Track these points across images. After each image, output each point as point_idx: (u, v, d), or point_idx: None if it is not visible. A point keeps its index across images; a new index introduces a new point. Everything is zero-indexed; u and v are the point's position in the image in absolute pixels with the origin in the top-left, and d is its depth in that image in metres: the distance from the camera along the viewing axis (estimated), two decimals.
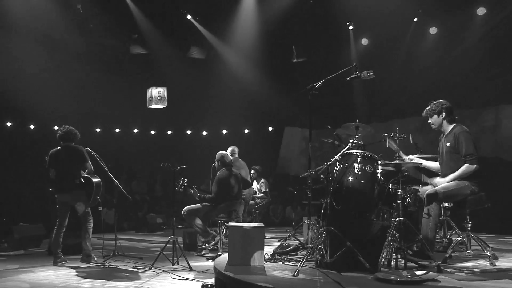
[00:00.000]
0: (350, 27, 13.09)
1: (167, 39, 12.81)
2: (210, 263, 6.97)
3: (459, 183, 4.95)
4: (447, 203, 4.96)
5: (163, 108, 12.64)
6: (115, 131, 14.47)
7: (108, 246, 8.55)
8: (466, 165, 4.94)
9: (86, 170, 7.10)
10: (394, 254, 4.56)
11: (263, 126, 15.27)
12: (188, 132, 15.45)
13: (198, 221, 7.53)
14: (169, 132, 15.36)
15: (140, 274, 6.25)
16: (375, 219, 4.77)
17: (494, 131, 12.15)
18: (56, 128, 13.95)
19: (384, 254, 4.48)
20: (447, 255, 4.93)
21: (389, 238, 4.53)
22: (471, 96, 12.01)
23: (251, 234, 4.96)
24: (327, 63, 13.59)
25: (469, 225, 5.17)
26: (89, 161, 7.09)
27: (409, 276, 4.19)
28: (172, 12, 12.79)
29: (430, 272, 4.26)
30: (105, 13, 11.72)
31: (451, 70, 11.90)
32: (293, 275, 4.40)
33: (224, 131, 15.56)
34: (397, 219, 4.61)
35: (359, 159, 4.84)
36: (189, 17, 12.86)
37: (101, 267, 6.78)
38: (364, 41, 13.45)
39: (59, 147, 7.12)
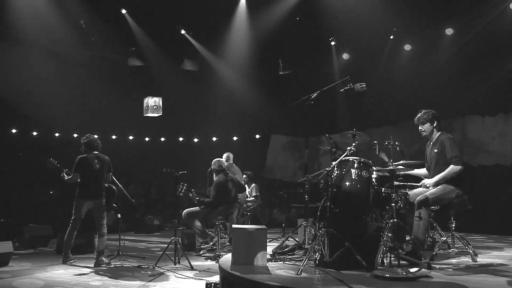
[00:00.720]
0: (333, 43, 13.26)
1: (162, 52, 12.77)
2: (209, 262, 6.95)
3: (446, 187, 5.03)
4: (433, 206, 5.01)
5: (158, 116, 12.59)
6: (112, 138, 14.33)
7: (110, 246, 8.46)
8: (451, 166, 5.03)
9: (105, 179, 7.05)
10: (388, 253, 4.60)
11: (250, 134, 15.27)
12: (181, 139, 15.38)
13: (197, 223, 7.49)
14: (162, 139, 15.26)
15: (145, 273, 6.19)
16: (370, 221, 4.81)
17: (462, 139, 12.38)
18: (57, 135, 13.97)
19: (380, 253, 4.51)
20: (434, 253, 4.99)
21: (384, 238, 4.57)
22: (442, 107, 12.20)
23: (255, 235, 4.94)
24: (311, 76, 13.72)
25: (453, 225, 5.25)
26: (111, 171, 7.05)
27: (404, 273, 4.23)
28: (168, 27, 12.75)
29: (422, 269, 4.31)
30: (106, 27, 11.65)
31: (424, 84, 12.10)
32: (297, 274, 4.40)
33: (214, 138, 15.52)
34: (391, 221, 4.65)
35: (355, 165, 4.88)
36: (183, 31, 12.86)
37: (107, 266, 6.68)
38: (345, 56, 13.59)
39: (86, 155, 6.99)
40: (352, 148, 5.10)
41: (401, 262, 4.68)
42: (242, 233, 4.96)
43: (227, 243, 8.36)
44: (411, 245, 4.82)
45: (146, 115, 12.41)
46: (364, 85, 5.53)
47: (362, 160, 4.94)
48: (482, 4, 10.70)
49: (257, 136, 15.34)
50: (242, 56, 13.07)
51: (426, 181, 5.17)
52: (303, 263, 4.52)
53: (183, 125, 14.67)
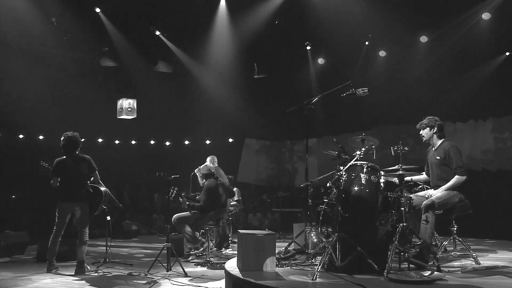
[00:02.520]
0: (308, 47, 13.40)
1: (137, 53, 12.52)
2: (201, 268, 6.82)
3: (450, 192, 5.16)
4: (438, 210, 5.12)
5: (133, 118, 12.32)
6: (81, 140, 13.83)
7: (92, 253, 8.19)
8: (457, 176, 5.15)
9: (92, 179, 6.77)
10: (398, 257, 4.66)
11: (223, 138, 15.18)
12: (152, 142, 15.09)
13: (188, 229, 7.36)
14: (133, 142, 14.92)
15: (139, 281, 5.99)
16: (379, 225, 4.87)
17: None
18: (21, 136, 13.37)
19: (391, 257, 4.57)
20: (437, 256, 5.10)
21: (395, 242, 4.63)
22: (414, 113, 12.57)
23: (264, 241, 4.90)
24: (286, 80, 13.82)
25: (455, 229, 5.40)
26: (97, 170, 6.76)
27: (418, 277, 4.30)
28: (143, 27, 12.51)
29: (436, 273, 4.40)
30: (78, 26, 11.28)
31: (397, 90, 12.41)
32: (313, 279, 4.39)
33: (187, 142, 15.32)
34: (401, 225, 4.73)
35: (364, 169, 4.93)
36: (157, 33, 12.65)
37: (96, 274, 6.44)
38: (321, 61, 13.76)
39: (64, 156, 6.70)
40: (362, 153, 5.13)
41: (408, 265, 4.75)
42: (251, 239, 4.90)
43: (214, 248, 8.27)
44: (418, 249, 4.90)
45: (120, 117, 12.10)
46: (367, 90, 5.60)
47: (370, 164, 5.00)
48: (456, 14, 11.11)
49: (230, 140, 15.26)
50: (218, 59, 13.00)
51: (431, 192, 5.26)
52: (317, 268, 4.51)
53: (157, 128, 14.39)
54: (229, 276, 4.87)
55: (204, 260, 7.16)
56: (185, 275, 6.26)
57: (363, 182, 4.89)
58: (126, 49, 12.45)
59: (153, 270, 6.45)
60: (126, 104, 12.03)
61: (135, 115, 12.13)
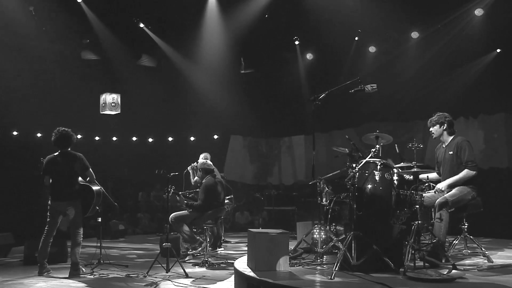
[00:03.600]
0: (297, 42, 13.41)
1: (121, 45, 12.31)
2: (199, 269, 6.75)
3: (463, 189, 5.24)
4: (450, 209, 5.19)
5: (116, 114, 12.11)
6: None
7: (81, 254, 8.00)
8: (466, 170, 5.23)
9: (88, 178, 6.63)
10: (413, 255, 4.71)
11: (208, 134, 15.08)
12: (134, 138, 14.87)
13: (186, 228, 7.28)
14: (114, 138, 14.66)
15: (139, 283, 5.91)
16: (393, 223, 4.92)
17: (422, 142, 13.00)
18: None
19: (408, 255, 4.62)
20: (449, 254, 5.18)
21: (411, 240, 4.69)
22: (404, 110, 12.78)
23: (277, 240, 4.89)
24: (275, 75, 13.81)
25: (465, 227, 5.50)
26: (90, 168, 6.61)
27: (437, 275, 4.36)
28: (125, 19, 12.30)
29: (454, 271, 4.47)
30: (58, 16, 11.00)
31: (387, 86, 12.53)
32: (331, 278, 4.40)
33: (170, 138, 15.16)
34: (416, 223, 4.78)
35: (378, 167, 4.96)
36: (141, 25, 12.46)
37: (92, 276, 6.32)
38: (309, 56, 13.79)
39: (56, 153, 6.55)
40: (376, 150, 5.15)
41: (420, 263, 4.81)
42: (264, 238, 4.89)
43: (209, 248, 8.20)
44: (432, 247, 4.97)
45: (103, 112, 11.88)
46: (375, 87, 5.64)
47: (384, 162, 5.04)
48: (449, 10, 11.29)
49: (216, 137, 15.17)
50: (205, 53, 12.89)
51: (439, 186, 5.33)
52: (335, 267, 4.53)
53: (140, 124, 14.17)
54: (241, 277, 4.83)
55: (202, 260, 7.10)
56: (186, 276, 6.20)
57: (377, 179, 4.92)
58: (109, 41, 12.20)
59: (151, 271, 6.37)
60: (110, 99, 11.79)
61: (119, 110, 11.91)
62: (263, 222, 9.97)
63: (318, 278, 4.53)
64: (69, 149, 6.63)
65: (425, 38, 12.14)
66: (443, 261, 4.94)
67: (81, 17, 11.52)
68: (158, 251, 8.26)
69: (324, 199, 10.65)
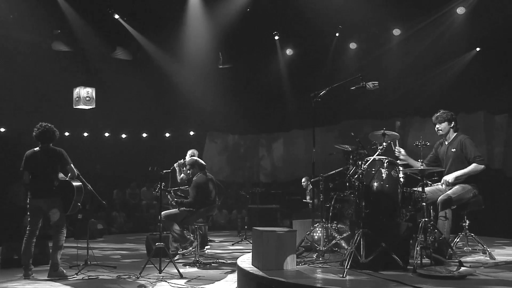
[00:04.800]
0: (276, 37, 13.46)
1: (96, 37, 12.04)
2: (191, 269, 6.68)
3: (465, 187, 5.39)
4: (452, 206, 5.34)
5: (91, 109, 11.83)
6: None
7: (64, 255, 7.81)
8: (474, 164, 5.36)
9: (69, 174, 6.45)
10: (420, 252, 4.83)
11: (184, 130, 14.95)
12: (106, 134, 14.58)
13: (176, 227, 7.21)
14: (85, 134, 14.34)
15: (134, 285, 5.81)
16: (400, 220, 5.03)
17: (401, 139, 13.30)
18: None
19: (418, 253, 4.73)
20: (451, 252, 5.33)
21: (419, 238, 4.81)
22: (385, 107, 13.03)
23: (284, 238, 4.91)
24: (254, 71, 13.81)
25: (467, 224, 5.68)
26: (71, 164, 6.43)
27: (448, 272, 4.49)
28: (100, 9, 12.03)
29: (464, 268, 4.60)
30: (27, 3, 10.64)
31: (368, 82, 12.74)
32: (343, 277, 4.46)
33: (144, 134, 14.96)
34: (423, 220, 4.90)
35: (385, 164, 5.05)
36: (116, 16, 12.22)
37: (81, 278, 6.18)
38: (289, 52, 13.86)
39: (36, 148, 6.37)
40: (384, 147, 5.23)
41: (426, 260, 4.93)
42: (272, 236, 4.90)
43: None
44: (437, 244, 5.09)
45: (77, 107, 11.58)
46: (377, 84, 5.72)
47: (390, 159, 5.13)
48: (431, 8, 11.57)
49: (192, 133, 15.06)
50: (183, 47, 12.78)
51: (447, 178, 5.43)
52: (346, 265, 4.59)
53: (114, 120, 13.90)
54: (247, 276, 4.82)
55: (193, 260, 7.05)
56: (180, 276, 6.14)
57: (383, 177, 5.01)
58: (83, 32, 11.91)
59: (144, 273, 6.25)
60: (84, 93, 11.48)
61: (94, 105, 11.64)
62: (248, 221, 9.96)
63: (330, 276, 4.56)
64: (51, 145, 6.47)
65: (406, 36, 12.39)
66: (447, 258, 5.08)
67: (52, 5, 11.19)
68: (144, 251, 8.21)
69: (308, 197, 10.85)
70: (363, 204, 4.87)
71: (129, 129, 14.65)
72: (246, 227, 9.73)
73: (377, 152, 5.11)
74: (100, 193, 13.23)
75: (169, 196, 7.29)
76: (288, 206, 10.47)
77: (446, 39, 11.76)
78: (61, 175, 6.43)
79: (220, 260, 7.38)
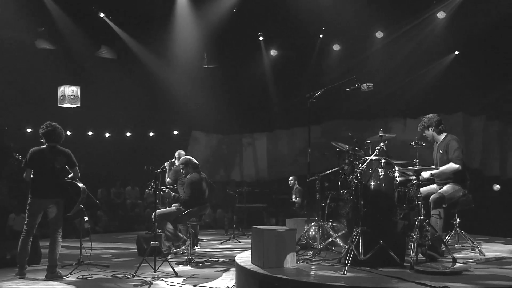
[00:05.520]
0: (261, 38, 13.53)
1: (81, 35, 11.90)
2: (183, 268, 6.66)
3: (454, 186, 5.55)
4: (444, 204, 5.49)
5: (76, 107, 11.70)
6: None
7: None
8: (450, 163, 5.53)
9: (70, 175, 6.37)
10: (415, 249, 4.95)
11: (168, 130, 14.89)
12: (90, 133, 14.40)
13: (169, 226, 7.21)
14: (68, 132, 14.11)
15: (130, 283, 5.79)
16: (396, 219, 5.14)
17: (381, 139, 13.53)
18: None
19: (414, 250, 4.85)
20: (443, 249, 5.48)
21: (415, 235, 4.93)
22: (367, 108, 13.24)
23: (285, 236, 4.97)
24: (239, 71, 13.84)
25: (457, 222, 5.84)
26: (77, 166, 6.37)
27: (444, 269, 4.61)
28: (85, 8, 11.90)
29: (459, 264, 4.74)
30: (11, 1, 10.46)
31: (350, 83, 12.91)
32: (343, 274, 4.54)
33: (128, 134, 14.82)
34: (419, 218, 5.03)
35: (382, 164, 5.16)
36: (102, 15, 12.10)
37: (76, 278, 6.12)
38: (273, 52, 13.94)
39: (43, 146, 6.25)
40: (381, 147, 5.34)
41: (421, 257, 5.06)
42: (272, 234, 4.95)
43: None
44: (431, 241, 5.23)
45: (62, 105, 11.44)
46: (371, 86, 5.83)
47: (386, 159, 5.25)
48: (412, 12, 11.81)
49: (176, 132, 15.00)
50: (168, 46, 12.75)
51: (423, 173, 5.56)
52: (346, 263, 4.66)
53: (94, 118, 13.74)
54: (249, 275, 4.84)
55: (186, 259, 7.06)
56: (176, 275, 6.13)
57: (380, 176, 5.12)
58: (68, 30, 11.78)
59: (138, 272, 6.24)
60: (69, 91, 11.37)
61: (79, 103, 11.51)
62: (237, 220, 10.02)
63: (330, 273, 4.63)
64: (58, 145, 6.39)
65: (389, 38, 12.63)
66: (440, 255, 5.22)
67: (36, 2, 11.02)
68: (135, 250, 8.17)
69: (293, 196, 10.95)
70: (362, 202, 4.96)
71: (113, 128, 14.50)
72: (234, 226, 9.78)
73: (375, 152, 5.21)
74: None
75: (163, 194, 7.28)
76: (275, 206, 10.53)
77: (427, 43, 12.05)
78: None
79: (212, 259, 7.39)
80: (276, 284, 4.45)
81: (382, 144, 5.32)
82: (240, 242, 9.46)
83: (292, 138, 14.51)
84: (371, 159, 5.17)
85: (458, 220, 5.83)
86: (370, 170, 5.15)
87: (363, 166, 5.04)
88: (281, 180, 13.87)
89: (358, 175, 5.01)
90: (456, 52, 12.40)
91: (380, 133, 5.50)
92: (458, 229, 5.89)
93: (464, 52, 12.15)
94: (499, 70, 11.34)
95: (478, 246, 5.65)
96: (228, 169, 15.04)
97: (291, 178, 11.11)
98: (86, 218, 6.68)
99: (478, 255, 5.55)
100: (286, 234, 4.99)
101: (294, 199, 10.76)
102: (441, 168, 5.60)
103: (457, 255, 5.40)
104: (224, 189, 11.63)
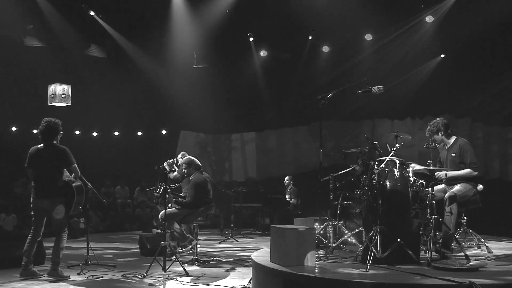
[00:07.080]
0: (251, 39, 13.57)
1: (71, 33, 11.72)
2: (190, 267, 6.64)
3: (467, 185, 5.72)
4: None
5: (66, 106, 11.53)
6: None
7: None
8: (469, 169, 5.69)
9: (73, 174, 6.27)
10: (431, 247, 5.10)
11: (156, 129, 14.79)
12: (77, 132, 14.19)
13: (176, 225, 7.18)
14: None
15: (144, 284, 5.77)
16: (412, 217, 5.28)
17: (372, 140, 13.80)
18: None
19: (430, 247, 5.00)
20: (452, 247, 5.65)
21: (431, 234, 5.08)
22: (356, 110, 13.47)
23: (305, 235, 5.05)
24: (229, 71, 13.86)
25: (465, 220, 6.03)
26: (75, 164, 6.26)
27: (460, 265, 4.77)
28: (75, 5, 11.74)
29: (475, 261, 4.91)
30: None
31: (339, 86, 13.09)
32: (366, 271, 4.64)
33: (116, 133, 14.66)
34: (433, 217, 5.19)
35: (397, 164, 5.30)
36: (92, 13, 11.95)
37: (86, 278, 6.06)
38: (263, 53, 14.01)
39: (40, 145, 6.13)
40: (397, 148, 5.46)
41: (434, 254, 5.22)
42: (293, 233, 5.02)
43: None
44: (442, 239, 5.39)
45: (52, 104, 11.26)
46: (382, 88, 5.95)
47: (401, 160, 5.38)
48: (402, 16, 12.05)
49: (164, 132, 14.92)
50: (158, 47, 12.70)
51: (441, 173, 5.72)
52: (368, 260, 4.78)
53: (81, 118, 13.53)
54: (270, 273, 4.89)
55: (192, 258, 7.07)
56: (187, 274, 6.14)
57: (396, 176, 5.25)
58: (57, 28, 11.59)
59: (144, 271, 6.23)
60: (60, 90, 11.20)
61: (70, 102, 11.35)
62: (234, 219, 10.05)
63: (352, 271, 4.73)
64: (55, 142, 6.28)
65: (378, 41, 12.85)
66: (452, 252, 5.39)
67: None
68: (137, 250, 8.13)
69: (288, 196, 11.04)
70: (380, 202, 5.08)
71: (100, 128, 14.33)
72: (232, 225, 9.82)
73: (391, 153, 5.33)
74: None
75: (167, 197, 7.24)
76: (270, 205, 10.60)
77: (415, 46, 12.31)
78: (66, 174, 6.25)
79: (217, 258, 7.42)
80: (301, 282, 4.52)
81: (397, 145, 5.44)
82: (238, 241, 9.51)
83: (281, 138, 14.63)
84: (386, 160, 5.29)
85: (465, 218, 6.00)
86: (386, 170, 5.28)
87: (381, 166, 5.15)
88: (269, 179, 13.99)
89: (375, 175, 5.12)
90: (442, 55, 12.70)
91: (396, 134, 5.60)
92: (465, 227, 6.06)
93: (450, 55, 12.46)
94: (485, 73, 11.69)
95: (486, 243, 5.83)
96: (217, 169, 15.04)
97: (286, 178, 11.19)
98: (82, 220, 6.55)
99: (486, 252, 5.73)
100: (306, 233, 5.07)
101: (288, 199, 10.85)
102: (460, 173, 5.72)
103: (467, 253, 5.58)
104: (222, 189, 11.62)
